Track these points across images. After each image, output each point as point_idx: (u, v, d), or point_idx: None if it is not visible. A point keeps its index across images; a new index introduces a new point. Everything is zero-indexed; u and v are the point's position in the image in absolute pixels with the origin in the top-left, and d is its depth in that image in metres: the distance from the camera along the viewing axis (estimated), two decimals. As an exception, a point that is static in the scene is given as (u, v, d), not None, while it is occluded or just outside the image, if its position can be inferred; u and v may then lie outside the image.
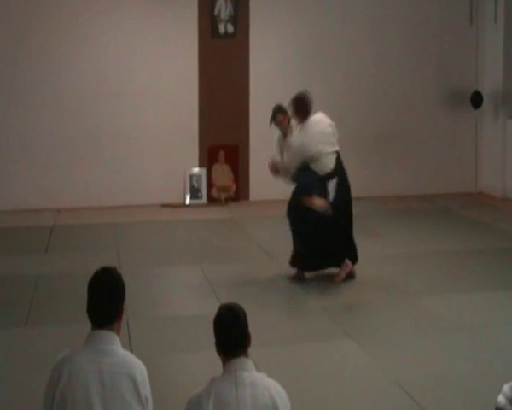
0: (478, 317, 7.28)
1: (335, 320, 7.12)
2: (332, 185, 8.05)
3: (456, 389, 5.61)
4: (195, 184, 13.00)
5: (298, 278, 8.32)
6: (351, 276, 8.35)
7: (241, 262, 9.26)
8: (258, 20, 13.02)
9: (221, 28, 13.00)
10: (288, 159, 8.14)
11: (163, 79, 12.77)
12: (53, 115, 12.40)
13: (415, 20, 13.66)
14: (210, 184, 13.07)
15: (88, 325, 3.57)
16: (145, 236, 10.74)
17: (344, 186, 8.20)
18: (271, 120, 8.33)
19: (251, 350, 3.56)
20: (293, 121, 8.28)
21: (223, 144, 13.10)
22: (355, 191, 13.19)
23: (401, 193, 13.60)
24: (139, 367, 3.48)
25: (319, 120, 8.22)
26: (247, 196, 13.26)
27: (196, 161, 13.08)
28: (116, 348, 3.49)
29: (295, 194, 8.18)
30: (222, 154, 13.09)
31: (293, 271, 8.38)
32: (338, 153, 8.21)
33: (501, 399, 3.60)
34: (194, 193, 12.99)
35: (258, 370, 3.56)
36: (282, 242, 8.83)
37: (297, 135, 8.11)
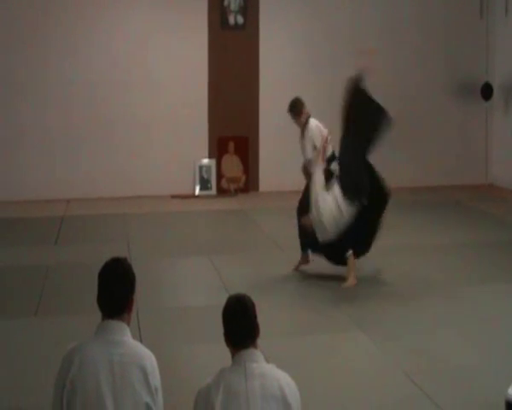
0: (489, 309, 7.26)
1: (345, 312, 7.12)
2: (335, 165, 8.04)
3: (466, 381, 5.60)
4: (205, 175, 13.01)
5: (302, 264, 8.31)
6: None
7: (250, 253, 9.27)
8: (268, 12, 13.00)
9: (231, 19, 13.00)
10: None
11: (173, 70, 12.78)
12: (63, 106, 12.43)
13: (425, 13, 13.61)
14: (219, 175, 13.08)
15: (98, 315, 3.58)
16: (155, 227, 10.76)
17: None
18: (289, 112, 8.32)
19: (260, 341, 3.57)
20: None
21: (232, 135, 13.10)
22: (365, 183, 13.33)
23: (411, 185, 13.58)
24: (149, 358, 3.49)
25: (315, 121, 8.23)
26: (256, 187, 13.26)
27: (206, 152, 13.09)
28: (126, 339, 3.50)
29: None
30: (231, 145, 13.10)
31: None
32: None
33: (511, 391, 3.61)
34: (204, 184, 13.00)
35: (267, 361, 3.56)
36: (292, 233, 8.82)
37: (313, 135, 8.08)
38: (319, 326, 6.80)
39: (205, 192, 12.97)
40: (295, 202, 8.52)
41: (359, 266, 8.18)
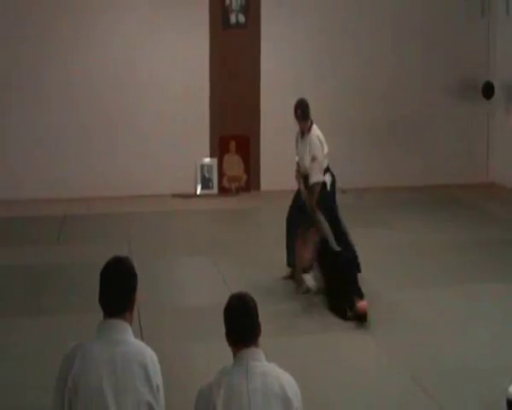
0: (491, 308, 7.26)
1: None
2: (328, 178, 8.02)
3: (470, 382, 5.61)
4: (206, 174, 13.01)
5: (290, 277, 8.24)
6: None
7: (251, 252, 9.27)
8: (270, 11, 12.99)
9: (232, 18, 12.99)
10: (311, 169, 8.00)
11: (174, 70, 12.77)
12: (64, 105, 12.42)
13: (427, 11, 13.60)
14: (221, 175, 13.08)
15: (99, 314, 3.59)
16: (156, 226, 10.76)
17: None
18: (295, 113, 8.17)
19: (261, 340, 3.57)
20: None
21: (234, 135, 13.10)
22: (366, 182, 13.36)
23: (412, 183, 13.57)
24: (151, 356, 3.50)
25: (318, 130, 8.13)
26: (257, 187, 13.26)
27: (207, 152, 13.09)
28: (128, 338, 3.51)
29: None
30: (233, 144, 13.10)
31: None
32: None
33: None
34: (206, 183, 13.01)
35: (269, 360, 3.57)
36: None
37: (315, 146, 7.99)
38: (322, 326, 6.81)
39: (206, 191, 12.97)
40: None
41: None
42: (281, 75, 12.98)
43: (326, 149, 7.98)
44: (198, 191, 12.94)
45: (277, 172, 12.75)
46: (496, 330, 6.64)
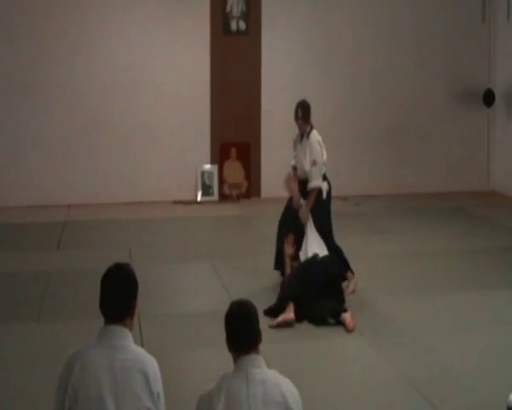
0: (490, 315, 7.26)
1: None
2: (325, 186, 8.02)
3: (468, 387, 5.60)
4: (207, 181, 13.01)
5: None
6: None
7: (252, 259, 9.27)
8: (270, 17, 13.01)
9: (233, 25, 13.01)
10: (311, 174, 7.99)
11: (175, 76, 12.79)
12: (64, 112, 12.43)
13: (427, 18, 13.62)
14: (222, 181, 13.09)
15: (100, 320, 3.59)
16: (157, 232, 10.75)
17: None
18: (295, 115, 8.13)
19: (261, 347, 3.57)
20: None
21: (234, 141, 13.11)
22: (367, 189, 13.36)
23: (413, 191, 13.58)
24: (151, 363, 3.49)
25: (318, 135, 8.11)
26: (258, 194, 13.26)
27: (208, 158, 13.09)
28: (128, 344, 3.51)
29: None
30: (233, 151, 13.10)
31: None
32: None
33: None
34: (206, 190, 13.01)
35: (269, 366, 3.57)
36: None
37: (316, 151, 7.98)
38: (320, 332, 6.80)
39: (207, 198, 12.97)
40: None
41: (359, 270, 8.17)
42: (281, 82, 12.99)
43: (325, 156, 7.99)
44: (199, 198, 12.94)
45: (278, 179, 12.72)
46: (494, 337, 6.63)
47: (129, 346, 3.50)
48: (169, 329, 6.88)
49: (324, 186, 7.97)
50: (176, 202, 12.72)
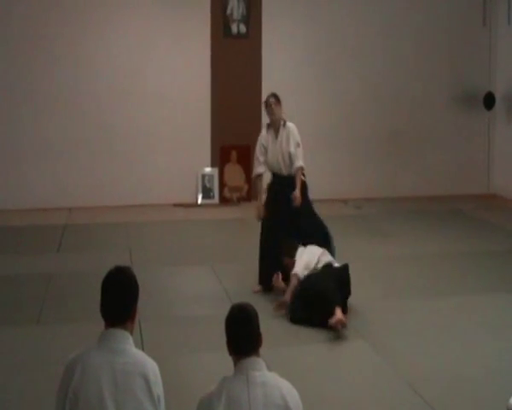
0: (491, 318, 7.25)
1: (347, 321, 7.10)
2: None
3: (468, 390, 5.60)
4: (207, 184, 13.02)
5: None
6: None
7: (252, 262, 9.23)
8: (271, 20, 13.02)
9: (233, 28, 13.02)
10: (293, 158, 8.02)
11: (175, 79, 12.80)
12: (65, 115, 12.44)
13: (428, 21, 13.63)
14: (222, 184, 13.09)
15: (100, 324, 3.58)
16: (157, 235, 10.76)
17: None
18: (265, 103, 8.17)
19: (262, 350, 3.57)
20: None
21: (235, 144, 13.11)
22: (368, 192, 13.36)
23: (413, 194, 13.58)
24: (152, 366, 3.49)
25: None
26: (258, 197, 13.23)
27: (208, 161, 13.10)
28: (129, 347, 3.50)
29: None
30: (234, 154, 13.11)
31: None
32: None
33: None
34: (207, 193, 13.01)
35: (270, 370, 3.56)
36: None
37: (297, 135, 8.03)
38: (321, 335, 6.79)
39: (207, 201, 12.98)
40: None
41: (360, 273, 8.17)
42: (282, 85, 12.96)
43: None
44: (199, 201, 12.95)
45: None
46: (495, 340, 6.63)
47: (130, 349, 3.50)
48: (169, 332, 6.88)
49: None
50: (176, 205, 12.72)
